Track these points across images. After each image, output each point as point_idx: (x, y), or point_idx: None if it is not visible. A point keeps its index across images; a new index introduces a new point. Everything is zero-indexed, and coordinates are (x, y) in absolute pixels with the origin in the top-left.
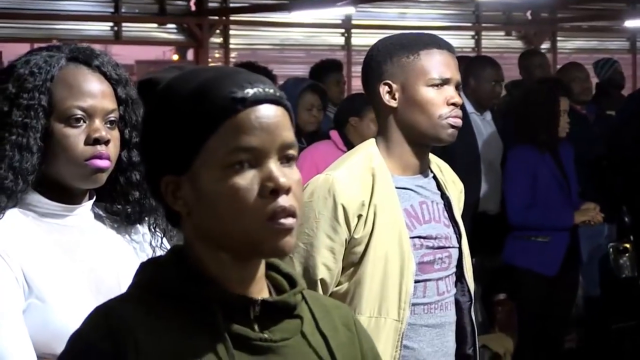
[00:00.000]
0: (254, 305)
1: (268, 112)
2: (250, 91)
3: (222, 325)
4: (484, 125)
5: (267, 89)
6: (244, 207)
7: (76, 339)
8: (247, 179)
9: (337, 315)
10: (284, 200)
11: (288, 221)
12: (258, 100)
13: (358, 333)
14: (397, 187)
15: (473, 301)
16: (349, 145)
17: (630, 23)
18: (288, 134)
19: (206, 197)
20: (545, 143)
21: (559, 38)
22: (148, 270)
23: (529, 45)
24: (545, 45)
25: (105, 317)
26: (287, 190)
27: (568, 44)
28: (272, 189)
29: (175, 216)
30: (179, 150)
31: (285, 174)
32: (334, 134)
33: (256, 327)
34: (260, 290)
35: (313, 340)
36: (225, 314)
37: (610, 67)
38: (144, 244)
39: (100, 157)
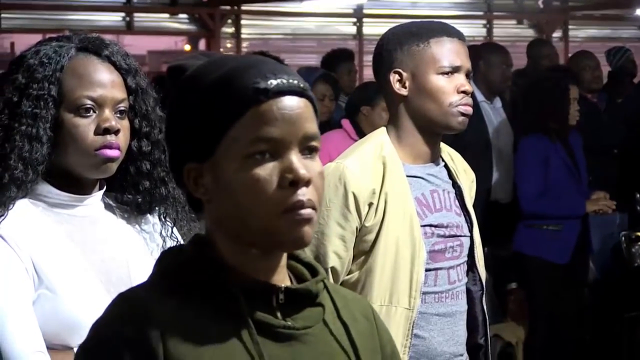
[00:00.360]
0: (277, 292)
1: (291, 103)
2: (273, 82)
3: (247, 312)
4: (494, 114)
5: (291, 80)
6: (262, 198)
7: (100, 327)
8: (267, 170)
9: (357, 306)
10: (302, 193)
11: (306, 212)
12: (281, 91)
13: (377, 325)
14: (408, 176)
15: (484, 290)
16: (361, 134)
17: None
18: (311, 126)
19: (226, 185)
20: (556, 131)
21: (570, 26)
22: (170, 258)
23: (540, 34)
24: (557, 34)
25: (129, 304)
26: (307, 183)
27: (580, 33)
28: (291, 181)
29: (197, 203)
30: (202, 138)
31: (306, 166)
32: (345, 123)
33: (279, 314)
34: (283, 279)
35: (334, 329)
36: (249, 302)
37: (622, 56)
38: (155, 234)
39: (110, 146)
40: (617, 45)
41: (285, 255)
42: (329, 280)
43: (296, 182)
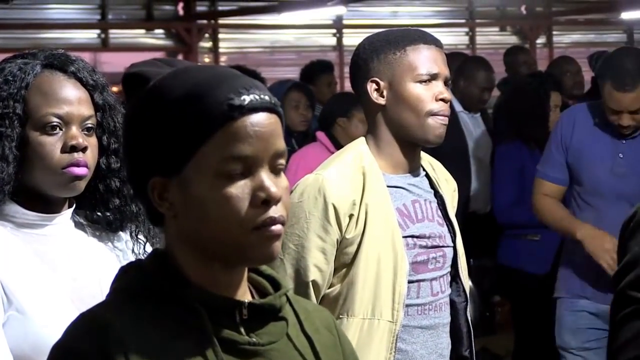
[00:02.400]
0: (240, 308)
1: (263, 120)
2: (247, 98)
3: (210, 328)
4: (472, 124)
5: (262, 96)
6: (234, 216)
7: (61, 347)
8: (239, 188)
9: (319, 318)
10: (274, 211)
11: (277, 228)
12: (254, 108)
13: (340, 336)
14: (388, 186)
15: (468, 301)
16: (338, 147)
17: (627, 15)
18: (280, 142)
19: (196, 202)
20: (535, 139)
21: (554, 32)
22: (130, 275)
23: (524, 41)
24: (541, 40)
25: (90, 323)
26: (278, 200)
27: (564, 38)
28: (263, 200)
29: (158, 216)
30: (170, 154)
31: (276, 184)
32: (321, 135)
33: (242, 330)
34: (244, 293)
35: (298, 343)
36: (212, 317)
37: None
38: (127, 251)
39: (77, 164)
40: (599, 50)
41: (246, 269)
42: (290, 293)
43: (268, 200)
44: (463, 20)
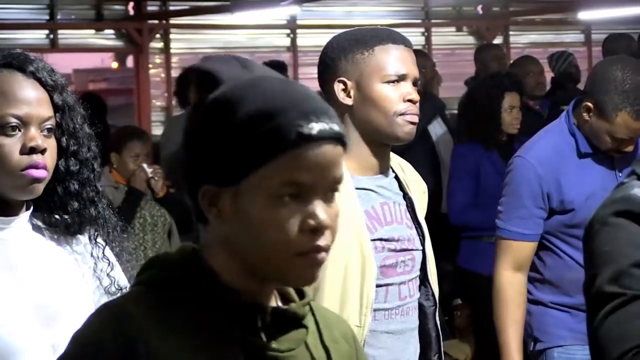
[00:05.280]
0: (264, 313)
1: (328, 151)
2: (315, 126)
3: (236, 332)
4: (434, 126)
5: (331, 125)
6: (282, 239)
7: (84, 339)
8: (292, 212)
9: (338, 328)
10: (321, 240)
11: (321, 255)
12: (322, 138)
13: (356, 348)
14: (357, 188)
15: (437, 305)
16: None
17: (585, 15)
18: (339, 171)
19: (246, 218)
20: (487, 140)
21: (511, 32)
22: (158, 269)
23: (481, 41)
24: (497, 40)
25: (115, 316)
26: (327, 229)
27: (522, 38)
28: (313, 228)
29: (204, 216)
30: (230, 167)
31: (327, 212)
32: None
33: (263, 335)
34: (269, 299)
35: (315, 353)
36: (236, 321)
37: (565, 61)
38: (86, 254)
39: (36, 166)
40: (559, 50)
41: None
42: (313, 302)
43: (318, 229)
44: (419, 21)
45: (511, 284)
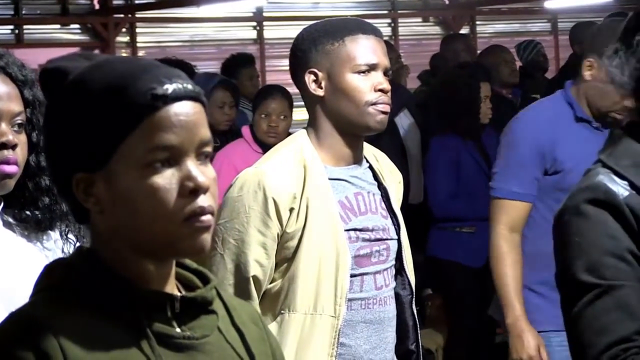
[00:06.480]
0: (173, 302)
1: (187, 109)
2: (169, 87)
3: (146, 323)
4: (401, 117)
5: (185, 85)
6: (163, 207)
7: None
8: (167, 178)
9: (245, 311)
10: (202, 200)
11: (207, 218)
12: (178, 97)
13: (265, 329)
14: (330, 179)
15: (414, 294)
16: (259, 143)
17: (551, 4)
18: (205, 131)
19: (123, 196)
20: (467, 130)
21: (478, 22)
22: (57, 272)
23: (447, 31)
24: (464, 30)
25: (24, 322)
26: (206, 190)
27: (488, 28)
28: (191, 189)
29: (83, 214)
30: (95, 148)
31: (203, 172)
32: (245, 131)
33: (174, 324)
34: (172, 288)
35: (229, 336)
36: (144, 312)
37: (532, 50)
38: (57, 250)
39: (7, 162)
40: (527, 40)
41: (174, 264)
42: (219, 286)
43: (196, 190)
44: (385, 11)
45: (507, 241)
